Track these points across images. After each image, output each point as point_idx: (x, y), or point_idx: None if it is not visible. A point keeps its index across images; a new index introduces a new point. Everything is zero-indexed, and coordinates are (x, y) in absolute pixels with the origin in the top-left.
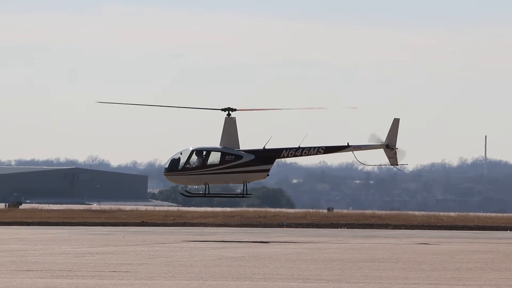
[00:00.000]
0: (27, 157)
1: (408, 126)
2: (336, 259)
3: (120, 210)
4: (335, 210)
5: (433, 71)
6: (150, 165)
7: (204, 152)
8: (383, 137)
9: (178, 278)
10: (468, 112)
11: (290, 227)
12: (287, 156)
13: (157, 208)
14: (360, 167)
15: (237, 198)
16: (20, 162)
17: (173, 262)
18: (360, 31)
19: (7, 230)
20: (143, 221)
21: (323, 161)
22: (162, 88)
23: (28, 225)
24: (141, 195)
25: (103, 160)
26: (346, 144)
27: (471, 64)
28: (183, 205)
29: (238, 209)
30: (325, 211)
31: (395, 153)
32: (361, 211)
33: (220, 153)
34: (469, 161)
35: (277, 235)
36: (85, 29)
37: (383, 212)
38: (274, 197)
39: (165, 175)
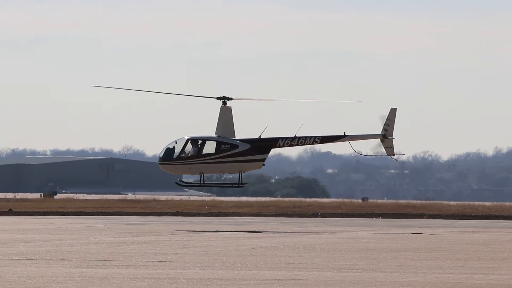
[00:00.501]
0: (62, 147)
1: (442, 115)
2: (371, 249)
3: (155, 200)
4: (370, 200)
5: (466, 59)
6: None
7: (199, 141)
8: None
9: (213, 268)
10: (503, 101)
11: (325, 216)
12: (283, 146)
13: (192, 198)
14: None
15: (234, 188)
16: (55, 152)
17: (208, 252)
18: (396, 20)
19: (42, 220)
20: (178, 211)
21: (358, 151)
22: (192, 76)
23: (63, 215)
24: (176, 185)
25: (138, 150)
26: (343, 134)
27: (503, 53)
28: (218, 195)
29: (273, 199)
30: (360, 201)
31: (392, 143)
32: (396, 200)
33: (215, 142)
34: (504, 150)
35: (311, 225)
36: (117, 18)
37: (418, 201)
38: (309, 187)
39: (159, 164)
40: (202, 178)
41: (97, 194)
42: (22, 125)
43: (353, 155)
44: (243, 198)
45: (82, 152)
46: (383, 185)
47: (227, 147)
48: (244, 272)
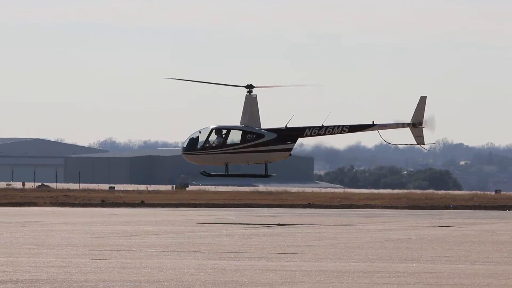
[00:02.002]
0: None
1: None
2: (505, 241)
3: (286, 192)
4: (503, 192)
5: None
6: (316, 147)
7: (224, 131)
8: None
9: (345, 260)
10: None
11: (458, 209)
12: (310, 135)
13: (323, 190)
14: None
15: (261, 178)
16: None
17: (340, 244)
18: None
19: (174, 211)
20: (309, 203)
21: (491, 143)
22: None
23: (194, 206)
24: (307, 177)
25: None
26: (372, 123)
27: None
28: (349, 187)
29: (405, 191)
30: (493, 193)
31: (422, 132)
32: None
33: (241, 131)
34: None
35: (444, 217)
36: (239, 12)
37: None
38: (441, 179)
39: (183, 154)
40: (227, 168)
41: (228, 186)
42: (154, 117)
43: (485, 147)
44: (375, 190)
45: None
46: None
47: (253, 137)
48: (376, 264)
